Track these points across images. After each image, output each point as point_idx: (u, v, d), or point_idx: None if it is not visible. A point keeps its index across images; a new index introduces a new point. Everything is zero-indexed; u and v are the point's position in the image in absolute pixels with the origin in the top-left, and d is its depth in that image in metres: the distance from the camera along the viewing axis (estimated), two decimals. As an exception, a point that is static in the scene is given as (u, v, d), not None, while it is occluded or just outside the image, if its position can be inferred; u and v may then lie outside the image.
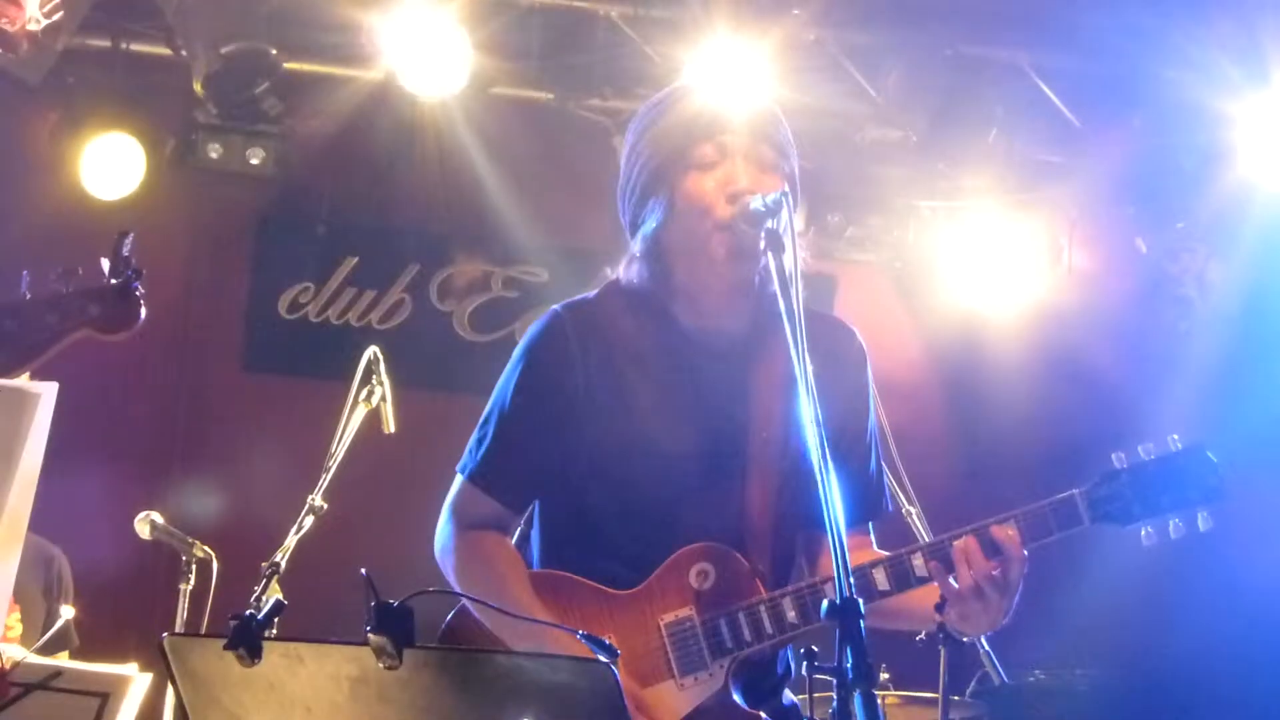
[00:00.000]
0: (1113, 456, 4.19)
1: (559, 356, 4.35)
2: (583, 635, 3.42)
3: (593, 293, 4.53)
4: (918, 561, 4.13)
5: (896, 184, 10.52)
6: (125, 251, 4.17)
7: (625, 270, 4.43)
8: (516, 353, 4.46)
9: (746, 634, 4.15)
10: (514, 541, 4.50)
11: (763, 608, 4.15)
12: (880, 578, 4.14)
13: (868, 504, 4.47)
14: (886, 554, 4.21)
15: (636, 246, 4.40)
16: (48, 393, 4.08)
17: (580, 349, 4.34)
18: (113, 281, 4.16)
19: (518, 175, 10.10)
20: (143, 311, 4.19)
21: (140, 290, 4.18)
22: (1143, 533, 4.17)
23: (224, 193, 10.11)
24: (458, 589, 4.32)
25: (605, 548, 4.31)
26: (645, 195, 4.38)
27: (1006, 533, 4.07)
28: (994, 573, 4.02)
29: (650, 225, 4.35)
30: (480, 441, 4.41)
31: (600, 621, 4.19)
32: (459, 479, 4.46)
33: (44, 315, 4.07)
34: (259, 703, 3.17)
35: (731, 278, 4.27)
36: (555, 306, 4.47)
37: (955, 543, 4.09)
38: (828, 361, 4.17)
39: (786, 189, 4.06)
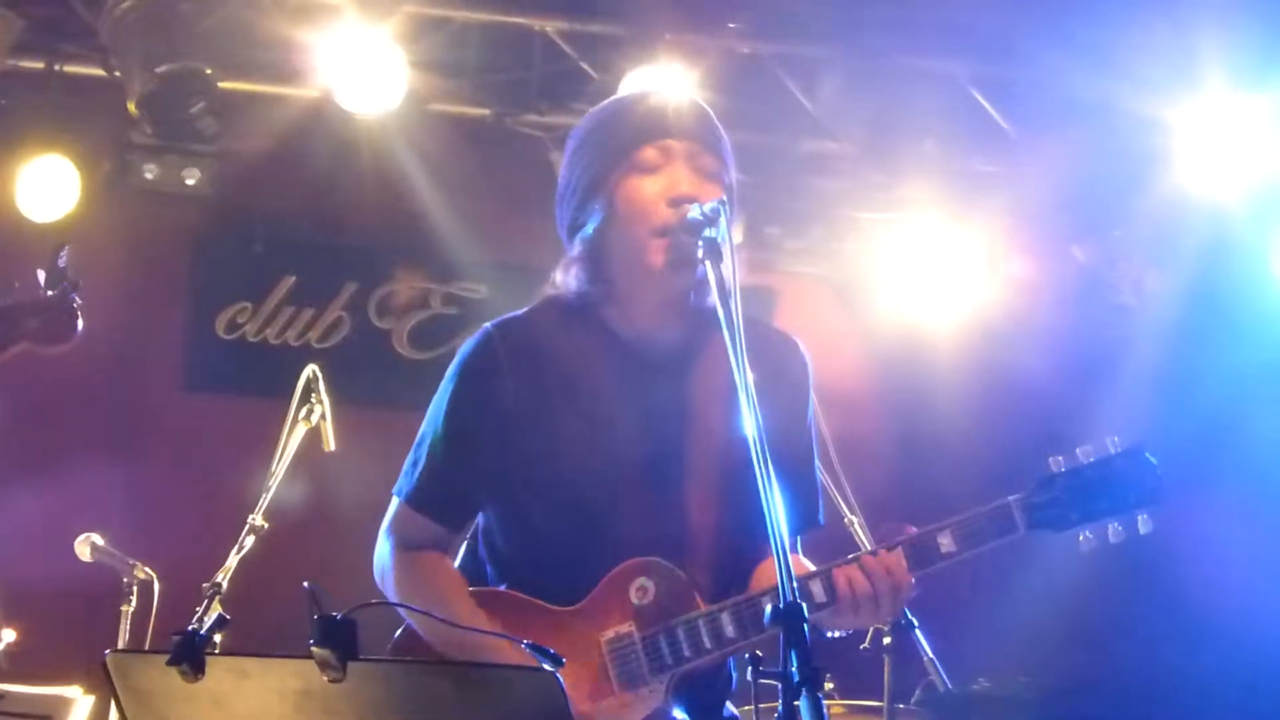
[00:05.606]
0: (1050, 461, 4.19)
1: (488, 374, 4.33)
2: (527, 644, 3.41)
3: (526, 308, 4.51)
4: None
5: (834, 196, 10.54)
6: (61, 263, 4.15)
7: (563, 274, 4.40)
8: (448, 372, 4.43)
9: (685, 649, 4.14)
10: (462, 559, 4.51)
11: (701, 622, 4.14)
12: (818, 589, 4.13)
13: (799, 517, 4.38)
14: (818, 567, 4.20)
15: (575, 249, 4.38)
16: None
17: (510, 364, 4.31)
18: (49, 293, 4.13)
19: (455, 192, 10.08)
20: (80, 323, 4.17)
21: (78, 301, 4.15)
22: (1080, 538, 4.18)
23: (160, 213, 10.06)
24: (401, 605, 4.30)
25: (547, 563, 4.29)
26: (586, 198, 4.35)
27: (887, 560, 4.13)
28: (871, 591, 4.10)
29: (589, 228, 4.33)
30: (415, 464, 4.39)
31: (543, 639, 4.16)
32: (395, 501, 4.44)
33: (-21, 331, 4.05)
34: (203, 718, 3.16)
35: (668, 287, 4.25)
36: (486, 324, 4.43)
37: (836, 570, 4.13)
38: (769, 372, 4.15)
39: (725, 198, 4.04)
